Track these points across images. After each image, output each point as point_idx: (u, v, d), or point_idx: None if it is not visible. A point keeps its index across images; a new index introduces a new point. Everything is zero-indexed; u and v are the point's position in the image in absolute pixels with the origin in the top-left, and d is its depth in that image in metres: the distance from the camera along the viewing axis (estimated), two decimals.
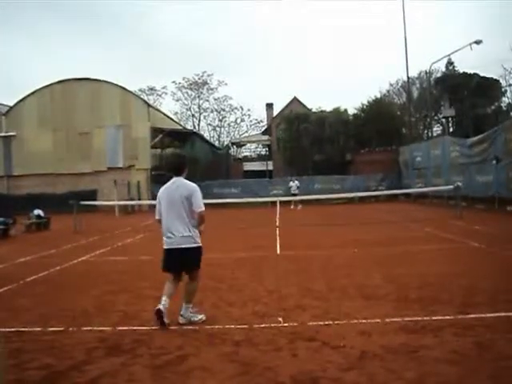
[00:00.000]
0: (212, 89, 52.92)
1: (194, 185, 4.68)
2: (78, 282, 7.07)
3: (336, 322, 4.50)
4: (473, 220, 13.45)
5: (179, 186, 4.64)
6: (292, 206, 22.99)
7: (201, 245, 4.72)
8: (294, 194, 23.38)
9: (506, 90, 34.55)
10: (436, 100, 34.61)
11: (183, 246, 4.56)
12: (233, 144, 46.68)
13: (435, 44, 64.78)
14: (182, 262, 4.63)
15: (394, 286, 5.91)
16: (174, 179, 4.70)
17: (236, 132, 55.32)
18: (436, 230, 11.69)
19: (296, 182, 24.71)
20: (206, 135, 50.01)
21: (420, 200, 24.49)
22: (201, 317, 4.69)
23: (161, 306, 4.44)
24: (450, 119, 33.65)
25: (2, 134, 29.64)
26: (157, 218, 4.82)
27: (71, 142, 28.92)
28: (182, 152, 25.35)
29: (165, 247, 4.69)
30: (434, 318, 4.48)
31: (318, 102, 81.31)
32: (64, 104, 29.03)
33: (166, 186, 4.75)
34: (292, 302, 5.29)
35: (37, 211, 16.49)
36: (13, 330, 4.58)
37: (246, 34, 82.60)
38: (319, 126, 31.79)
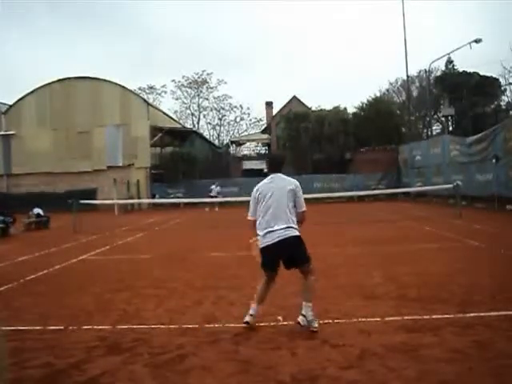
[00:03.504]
0: (211, 87, 53.12)
1: (296, 181, 4.49)
2: (77, 280, 7.06)
3: (335, 321, 4.52)
4: (472, 219, 13.46)
5: (284, 181, 4.44)
6: (207, 209, 24.58)
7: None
8: (212, 197, 24.25)
9: (505, 89, 34.66)
10: (436, 99, 34.63)
11: (289, 236, 4.28)
12: (232, 142, 46.63)
13: (435, 43, 64.81)
14: (289, 254, 4.37)
15: (393, 284, 5.92)
16: (274, 175, 4.48)
17: (235, 130, 55.47)
18: (435, 229, 11.69)
19: (214, 185, 25.50)
20: (206, 134, 50.14)
21: (419, 199, 24.49)
22: (317, 324, 4.27)
23: (248, 318, 4.31)
24: (449, 118, 33.64)
25: (2, 133, 29.64)
26: (251, 217, 4.50)
27: (71, 140, 28.91)
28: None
29: (266, 244, 4.37)
30: (433, 316, 4.49)
31: (318, 100, 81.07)
32: (64, 103, 29.03)
33: (264, 182, 4.49)
34: (292, 301, 5.28)
35: (36, 210, 16.51)
36: (13, 328, 4.58)
37: (246, 33, 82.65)
38: (319, 125, 31.76)
